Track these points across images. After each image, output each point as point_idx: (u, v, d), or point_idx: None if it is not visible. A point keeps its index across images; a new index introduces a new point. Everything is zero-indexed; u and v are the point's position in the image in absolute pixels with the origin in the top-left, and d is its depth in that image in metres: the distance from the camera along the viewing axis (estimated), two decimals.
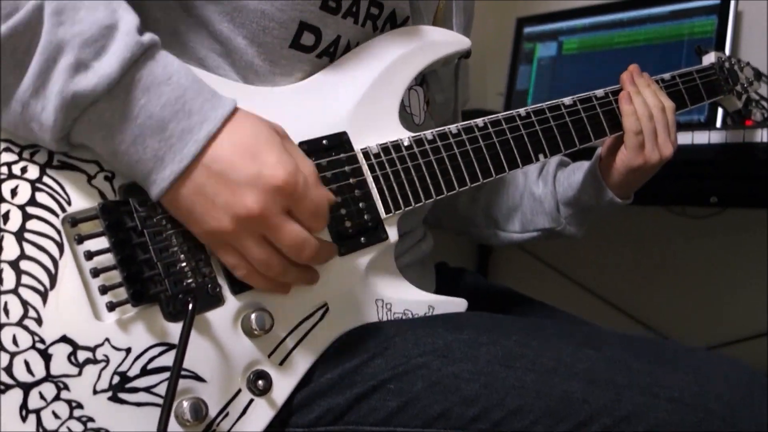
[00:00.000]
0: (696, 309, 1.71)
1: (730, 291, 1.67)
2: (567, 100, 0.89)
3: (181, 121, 0.60)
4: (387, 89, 0.79)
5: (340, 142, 0.75)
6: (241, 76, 0.73)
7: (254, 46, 0.72)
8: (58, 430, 0.59)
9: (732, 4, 1.50)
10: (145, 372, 0.62)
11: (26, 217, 0.60)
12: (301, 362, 0.70)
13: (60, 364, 0.59)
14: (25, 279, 0.59)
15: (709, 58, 1.09)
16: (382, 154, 0.76)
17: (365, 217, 0.75)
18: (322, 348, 0.72)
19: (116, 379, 0.61)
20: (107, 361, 0.61)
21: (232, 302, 0.67)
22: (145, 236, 0.63)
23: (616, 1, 1.70)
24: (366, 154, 0.75)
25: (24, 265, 0.59)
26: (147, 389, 0.62)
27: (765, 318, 1.56)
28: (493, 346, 0.71)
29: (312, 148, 0.73)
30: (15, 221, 0.60)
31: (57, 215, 0.61)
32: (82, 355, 0.60)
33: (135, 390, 0.62)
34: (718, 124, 1.41)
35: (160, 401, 0.62)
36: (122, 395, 0.61)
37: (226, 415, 0.66)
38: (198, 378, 0.64)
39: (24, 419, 0.58)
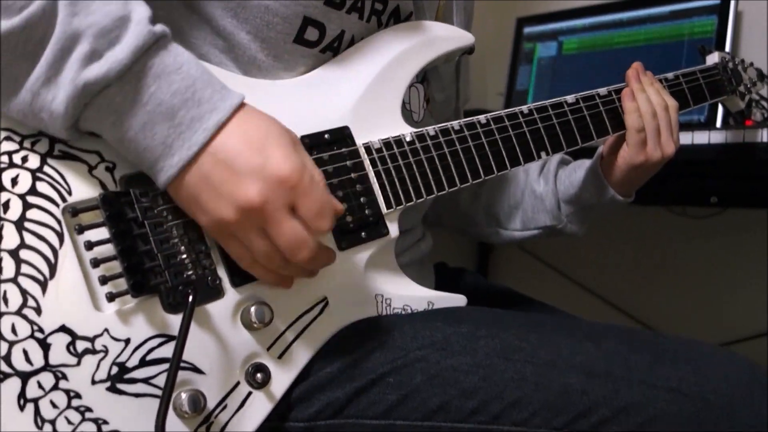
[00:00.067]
0: (696, 309, 1.71)
1: (730, 291, 1.67)
2: (570, 98, 0.89)
3: (190, 110, 0.60)
4: (390, 84, 0.79)
5: (342, 136, 0.75)
6: (244, 72, 0.74)
7: (257, 41, 0.72)
8: (56, 420, 0.59)
9: (732, 4, 1.50)
10: (143, 363, 0.62)
11: (26, 206, 0.60)
12: (300, 356, 0.70)
13: (59, 354, 0.59)
14: (24, 268, 0.59)
15: (713, 58, 1.09)
16: (384, 149, 0.76)
17: (366, 211, 0.74)
18: (321, 342, 0.71)
19: (115, 369, 0.61)
20: (106, 351, 0.61)
21: (231, 295, 0.67)
22: (145, 227, 0.63)
23: (616, 1, 1.70)
24: (368, 148, 0.75)
25: (24, 254, 0.59)
26: (145, 380, 0.62)
27: (765, 318, 1.56)
28: (492, 340, 0.71)
29: (314, 142, 0.73)
30: (15, 210, 0.60)
31: (57, 205, 0.61)
32: (80, 345, 0.60)
33: (133, 381, 0.62)
34: (718, 124, 1.42)
35: (159, 392, 0.62)
36: (121, 386, 0.61)
37: (225, 407, 0.66)
38: (197, 370, 0.64)
39: (22, 408, 0.58)
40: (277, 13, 0.71)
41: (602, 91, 0.92)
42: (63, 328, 0.60)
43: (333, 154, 0.74)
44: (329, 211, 0.63)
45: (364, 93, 0.77)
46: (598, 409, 0.66)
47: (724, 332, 1.61)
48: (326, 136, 0.74)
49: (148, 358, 0.63)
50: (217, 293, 0.66)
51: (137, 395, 0.62)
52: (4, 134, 0.61)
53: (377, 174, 0.75)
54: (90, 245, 0.61)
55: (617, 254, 1.83)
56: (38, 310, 0.59)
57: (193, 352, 0.64)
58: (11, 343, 0.58)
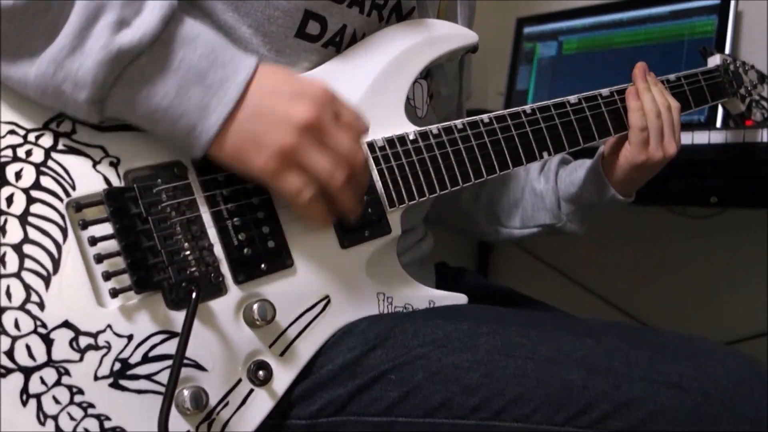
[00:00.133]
0: (696, 309, 1.71)
1: (730, 291, 1.67)
2: (572, 99, 0.89)
3: (218, 71, 0.63)
4: (393, 82, 0.79)
5: None
6: None
7: (259, 35, 0.72)
8: (58, 416, 0.59)
9: (732, 4, 1.50)
10: (146, 359, 0.62)
11: (30, 200, 0.60)
12: (302, 353, 0.70)
13: (61, 350, 0.59)
14: (28, 263, 0.59)
15: (715, 60, 1.09)
16: (387, 147, 0.76)
17: (369, 210, 0.75)
18: (323, 340, 0.72)
19: (117, 365, 0.61)
20: (109, 347, 0.61)
21: (234, 292, 0.67)
22: (149, 223, 0.63)
23: (616, 1, 1.70)
24: (371, 146, 0.75)
25: (27, 249, 0.59)
26: (148, 377, 0.62)
27: (765, 318, 1.56)
28: (493, 336, 0.71)
29: None
30: (19, 204, 0.60)
31: (61, 200, 0.61)
32: (83, 341, 0.60)
33: (136, 377, 0.62)
34: (718, 124, 1.42)
35: (161, 389, 0.62)
36: (123, 382, 0.61)
37: (226, 404, 0.66)
38: (199, 367, 0.64)
39: (24, 404, 0.58)
40: (278, 7, 0.72)
41: (605, 91, 0.92)
42: (66, 324, 0.59)
43: None
44: (360, 114, 0.69)
45: (368, 90, 0.77)
46: (599, 404, 0.66)
47: (725, 332, 1.61)
48: None
49: (151, 354, 0.62)
50: (220, 290, 0.66)
51: (139, 392, 0.62)
52: (8, 128, 0.61)
53: (380, 172, 0.75)
54: (94, 240, 0.61)
55: (617, 254, 1.83)
56: (41, 306, 0.59)
57: (195, 349, 0.64)
58: (14, 338, 0.58)
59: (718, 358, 0.70)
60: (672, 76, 0.99)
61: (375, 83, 0.78)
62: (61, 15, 0.59)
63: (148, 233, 0.63)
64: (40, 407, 0.58)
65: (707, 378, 0.67)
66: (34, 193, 0.60)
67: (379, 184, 0.75)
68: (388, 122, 0.77)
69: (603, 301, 1.85)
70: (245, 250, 0.67)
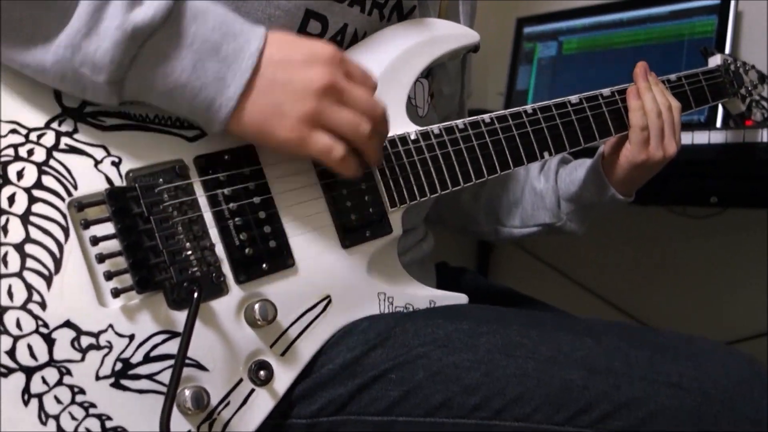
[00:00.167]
0: (696, 309, 1.71)
1: (730, 291, 1.67)
2: (573, 99, 0.89)
3: (230, 43, 0.63)
4: (395, 82, 0.79)
5: None
6: None
7: None
8: (59, 415, 0.59)
9: (732, 4, 1.51)
10: (147, 359, 0.62)
11: (32, 200, 0.60)
12: (303, 353, 0.70)
13: (63, 349, 0.59)
14: (29, 263, 0.59)
15: (715, 60, 1.09)
16: (388, 147, 0.76)
17: (370, 210, 0.75)
18: (324, 339, 0.72)
19: (119, 365, 0.61)
20: (110, 347, 0.61)
21: (236, 292, 0.67)
22: (151, 223, 0.63)
23: (616, 1, 1.70)
24: None
25: (29, 248, 0.59)
26: (149, 377, 0.62)
27: (765, 318, 1.56)
28: (493, 336, 0.71)
29: None
30: (21, 204, 0.60)
31: (63, 199, 0.61)
32: (85, 341, 0.60)
33: (137, 377, 0.62)
34: (718, 124, 1.42)
35: (163, 389, 0.62)
36: (124, 382, 0.61)
37: (227, 404, 0.66)
38: (200, 367, 0.64)
39: (26, 404, 0.58)
40: (279, 6, 0.72)
41: (606, 91, 0.92)
42: (68, 324, 0.59)
43: None
44: (367, 70, 0.70)
45: None
46: (599, 404, 0.66)
47: (724, 332, 1.61)
48: None
49: (152, 354, 0.63)
50: (221, 290, 0.66)
51: (141, 391, 0.62)
52: (9, 127, 0.61)
53: (382, 172, 0.75)
54: (95, 240, 0.61)
55: (617, 254, 1.83)
56: (43, 305, 0.59)
57: (196, 349, 0.64)
58: (16, 338, 0.58)
59: (718, 358, 0.70)
60: (673, 76, 0.99)
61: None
62: None
63: (149, 233, 0.63)
64: (41, 407, 0.58)
65: (707, 378, 0.67)
66: (36, 193, 0.60)
67: (380, 184, 0.75)
68: (390, 122, 0.77)
69: (603, 301, 1.85)
70: (247, 250, 0.67)
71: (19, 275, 0.58)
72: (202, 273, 0.65)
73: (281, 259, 0.69)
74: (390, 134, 0.76)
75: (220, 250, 0.66)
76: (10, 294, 0.58)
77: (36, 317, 0.58)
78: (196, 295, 0.62)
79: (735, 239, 1.64)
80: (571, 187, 0.99)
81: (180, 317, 0.63)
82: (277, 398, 0.68)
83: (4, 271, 0.58)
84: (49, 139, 0.62)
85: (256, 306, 0.66)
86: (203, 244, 0.65)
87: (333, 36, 0.76)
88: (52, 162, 0.61)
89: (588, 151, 0.94)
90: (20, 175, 0.60)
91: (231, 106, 0.63)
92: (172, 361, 0.62)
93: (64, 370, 0.59)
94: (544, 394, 0.67)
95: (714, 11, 1.53)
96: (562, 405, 0.67)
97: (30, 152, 0.61)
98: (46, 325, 0.59)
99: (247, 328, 0.67)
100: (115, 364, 0.61)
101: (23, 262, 0.59)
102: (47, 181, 0.61)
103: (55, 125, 0.62)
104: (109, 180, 0.63)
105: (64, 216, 0.61)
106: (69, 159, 0.62)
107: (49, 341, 0.59)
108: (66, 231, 0.61)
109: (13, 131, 0.61)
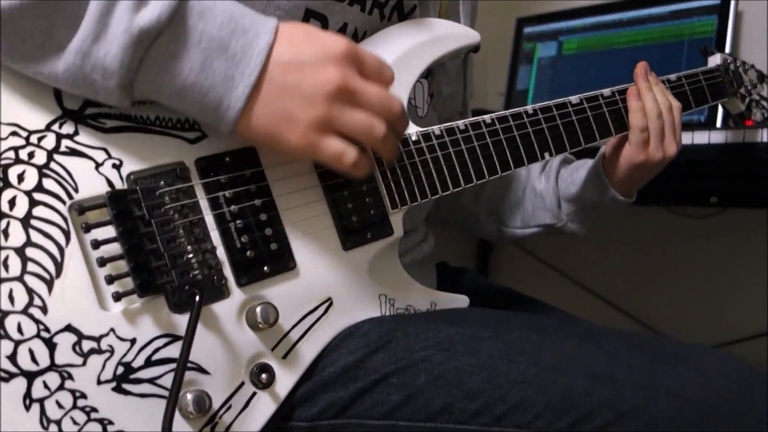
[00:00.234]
0: (696, 309, 1.71)
1: (730, 291, 1.67)
2: (574, 99, 0.89)
3: (239, 39, 0.62)
4: (396, 82, 0.77)
5: None
6: None
7: None
8: (61, 420, 0.58)
9: (732, 4, 1.51)
10: (149, 363, 0.62)
11: (33, 203, 0.60)
12: (305, 356, 0.70)
13: (64, 354, 0.59)
14: (30, 266, 0.59)
15: (715, 60, 1.09)
16: None
17: (371, 211, 0.74)
18: (326, 342, 0.71)
19: (120, 369, 0.61)
20: (112, 351, 0.61)
21: (237, 295, 0.66)
22: (152, 226, 0.63)
23: (616, 1, 1.70)
24: None
25: (30, 252, 0.59)
26: (151, 380, 0.62)
27: (765, 318, 1.56)
28: (495, 341, 0.71)
29: None
30: (21, 207, 0.59)
31: (64, 202, 0.61)
32: (86, 345, 0.60)
33: (139, 381, 0.62)
34: (718, 124, 1.42)
35: (164, 393, 0.62)
36: (126, 386, 0.61)
37: (229, 407, 0.65)
38: (202, 370, 0.64)
39: (27, 408, 0.57)
40: (279, 6, 0.71)
41: (606, 92, 0.92)
42: (69, 328, 0.59)
43: None
44: (383, 61, 0.68)
45: None
46: (601, 411, 0.66)
47: (724, 332, 1.61)
48: None
49: (154, 358, 0.62)
50: (223, 293, 0.66)
51: (143, 395, 0.62)
52: (10, 129, 0.60)
53: (383, 173, 0.75)
54: (96, 244, 0.61)
55: (617, 254, 1.84)
56: (44, 309, 0.59)
57: (198, 353, 0.64)
58: (17, 343, 0.57)
59: (719, 365, 0.70)
60: (673, 76, 0.99)
61: None
62: (80, 5, 0.58)
63: (151, 236, 0.63)
64: (43, 412, 0.58)
65: (709, 387, 0.67)
66: (37, 196, 0.60)
67: (381, 186, 0.75)
68: None
69: (603, 301, 1.85)
70: (248, 253, 0.67)
71: (20, 279, 0.58)
72: (203, 276, 0.65)
73: (282, 262, 0.69)
74: None
75: (221, 252, 0.66)
76: (11, 298, 0.58)
77: (37, 321, 0.58)
78: (197, 298, 0.62)
79: (735, 239, 1.64)
80: (572, 188, 0.99)
81: (181, 321, 0.63)
82: (278, 401, 0.68)
83: (4, 275, 0.58)
84: (49, 141, 0.61)
85: (258, 309, 0.66)
86: (204, 247, 0.65)
87: None
88: (52, 165, 0.61)
89: (590, 151, 0.94)
90: (21, 178, 0.60)
91: (240, 107, 0.62)
92: (173, 365, 0.62)
93: (65, 375, 0.59)
94: (546, 401, 0.67)
95: (714, 11, 1.53)
96: (564, 412, 0.66)
97: (31, 155, 0.61)
98: (47, 330, 0.58)
99: (249, 331, 0.67)
100: (116, 368, 0.61)
101: (24, 266, 0.58)
102: (48, 184, 0.61)
103: (55, 127, 0.62)
104: (110, 183, 0.63)
105: (65, 219, 0.61)
106: (70, 161, 0.62)
107: (51, 346, 0.58)
108: (67, 234, 0.60)
109: (14, 134, 0.60)
